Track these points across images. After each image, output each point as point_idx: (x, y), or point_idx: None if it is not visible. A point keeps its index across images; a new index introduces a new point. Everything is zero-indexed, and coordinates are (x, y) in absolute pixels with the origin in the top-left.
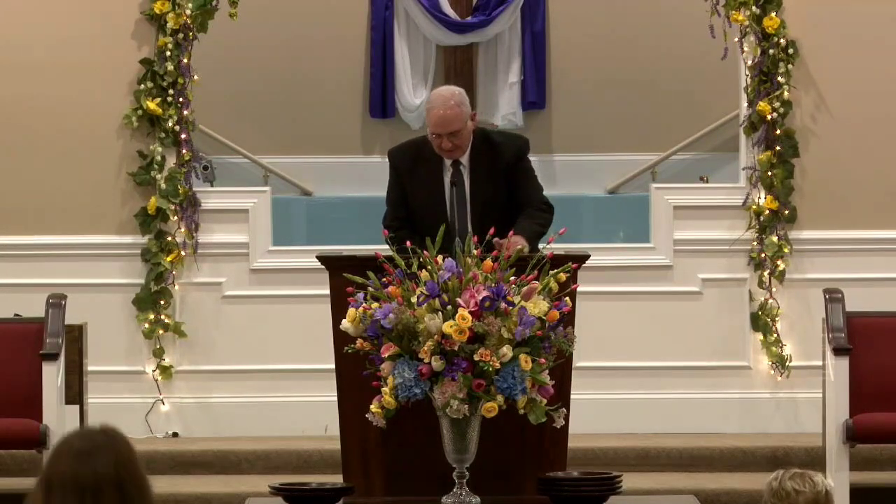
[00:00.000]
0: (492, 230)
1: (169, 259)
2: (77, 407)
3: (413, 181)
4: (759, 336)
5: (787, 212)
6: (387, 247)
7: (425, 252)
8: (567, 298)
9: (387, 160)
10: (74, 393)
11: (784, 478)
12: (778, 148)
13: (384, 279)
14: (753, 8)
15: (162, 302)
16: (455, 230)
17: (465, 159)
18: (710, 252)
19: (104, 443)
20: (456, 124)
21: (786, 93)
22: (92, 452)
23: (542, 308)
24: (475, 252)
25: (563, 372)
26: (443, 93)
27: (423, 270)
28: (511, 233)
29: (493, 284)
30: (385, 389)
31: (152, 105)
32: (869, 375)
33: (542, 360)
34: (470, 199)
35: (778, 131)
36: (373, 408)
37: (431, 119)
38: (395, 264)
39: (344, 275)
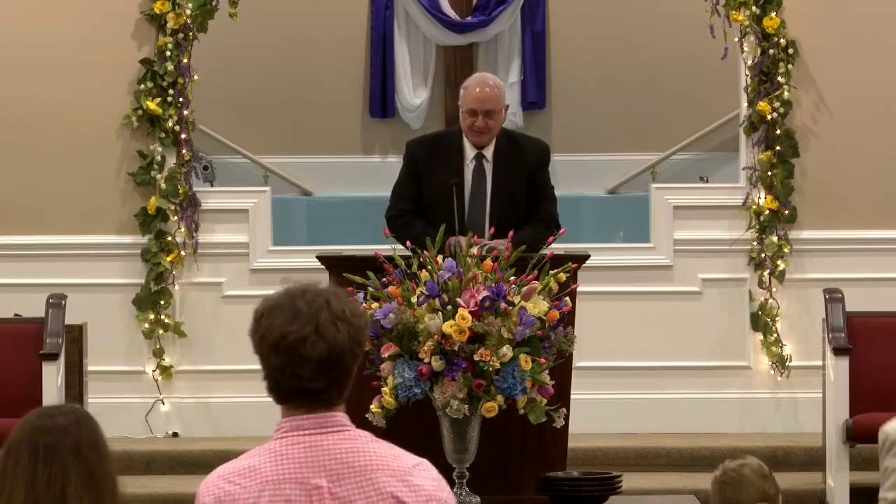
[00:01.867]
0: (491, 230)
1: (169, 259)
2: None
3: (430, 173)
4: (759, 336)
5: (787, 212)
6: (387, 246)
7: (425, 251)
8: (567, 298)
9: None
10: (74, 393)
11: (724, 466)
12: (778, 148)
13: (384, 279)
14: (753, 8)
15: (162, 302)
16: (470, 222)
17: (489, 154)
18: (710, 252)
19: (67, 409)
20: (493, 103)
21: (786, 93)
22: (53, 415)
23: (542, 308)
24: (475, 252)
25: (563, 372)
26: (483, 75)
27: (423, 270)
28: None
29: (493, 284)
30: (385, 389)
31: (152, 105)
32: (869, 375)
33: (542, 360)
34: (491, 193)
35: (778, 131)
36: (373, 408)
37: (469, 95)
38: (395, 264)
39: (344, 275)
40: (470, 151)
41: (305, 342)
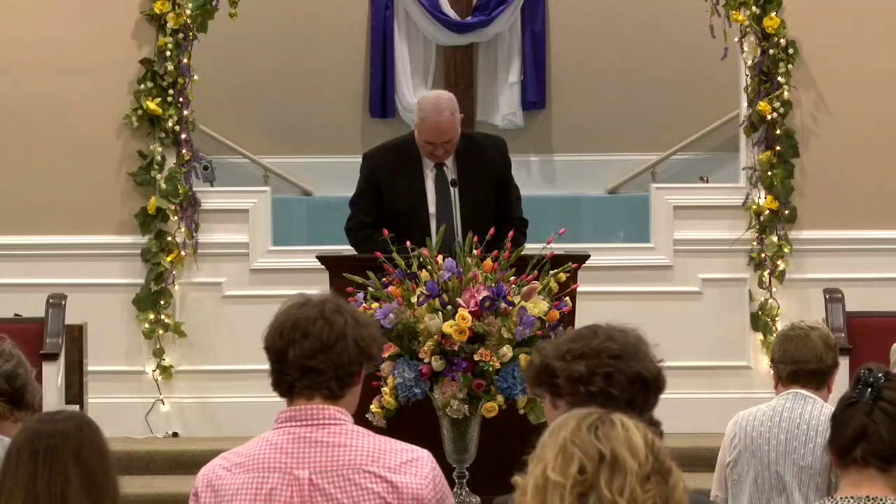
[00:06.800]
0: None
1: (169, 259)
2: (77, 407)
3: (392, 184)
4: (759, 336)
5: (787, 212)
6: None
7: (425, 252)
8: (567, 298)
9: None
10: (74, 393)
11: (794, 323)
12: (778, 148)
13: (384, 279)
14: (753, 8)
15: (162, 302)
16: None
17: (449, 161)
18: (710, 252)
19: (68, 415)
20: (451, 133)
21: (786, 93)
22: (54, 419)
23: (542, 308)
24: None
25: None
26: (435, 101)
27: (424, 270)
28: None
29: (493, 284)
30: (385, 389)
31: (152, 105)
32: None
33: None
34: (460, 199)
35: (778, 131)
36: (373, 408)
37: (426, 128)
38: (395, 264)
39: (344, 275)
40: (429, 160)
41: (309, 321)
